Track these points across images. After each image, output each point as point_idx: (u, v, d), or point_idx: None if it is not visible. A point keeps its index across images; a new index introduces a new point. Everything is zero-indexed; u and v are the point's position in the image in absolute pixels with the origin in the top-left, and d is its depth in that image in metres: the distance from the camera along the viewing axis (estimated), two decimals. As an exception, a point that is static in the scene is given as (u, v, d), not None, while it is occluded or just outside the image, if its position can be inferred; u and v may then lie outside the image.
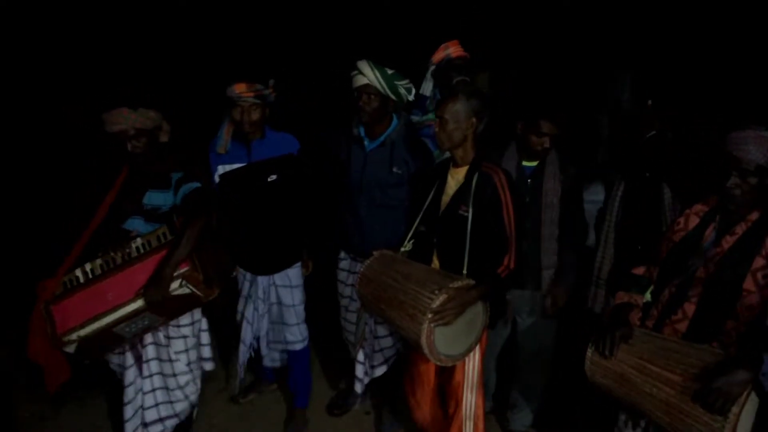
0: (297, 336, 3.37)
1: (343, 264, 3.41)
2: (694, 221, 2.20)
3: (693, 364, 1.89)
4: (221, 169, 3.13)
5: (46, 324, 2.53)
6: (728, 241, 2.05)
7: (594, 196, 4.22)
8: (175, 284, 2.57)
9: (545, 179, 3.00)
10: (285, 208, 3.14)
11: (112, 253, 2.64)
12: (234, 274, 3.32)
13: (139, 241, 2.69)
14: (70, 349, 2.51)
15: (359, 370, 3.16)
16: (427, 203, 2.68)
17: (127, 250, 2.66)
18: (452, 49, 3.55)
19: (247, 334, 3.37)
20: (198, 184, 2.80)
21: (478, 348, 2.59)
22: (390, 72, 2.95)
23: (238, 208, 3.12)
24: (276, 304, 3.34)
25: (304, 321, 3.41)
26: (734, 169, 1.99)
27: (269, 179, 3.05)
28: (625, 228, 3.03)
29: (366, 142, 3.12)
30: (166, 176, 2.79)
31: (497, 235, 2.51)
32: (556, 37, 4.85)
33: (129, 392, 2.86)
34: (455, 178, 2.62)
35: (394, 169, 3.04)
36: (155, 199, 2.78)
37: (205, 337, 3.08)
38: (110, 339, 2.61)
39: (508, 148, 3.11)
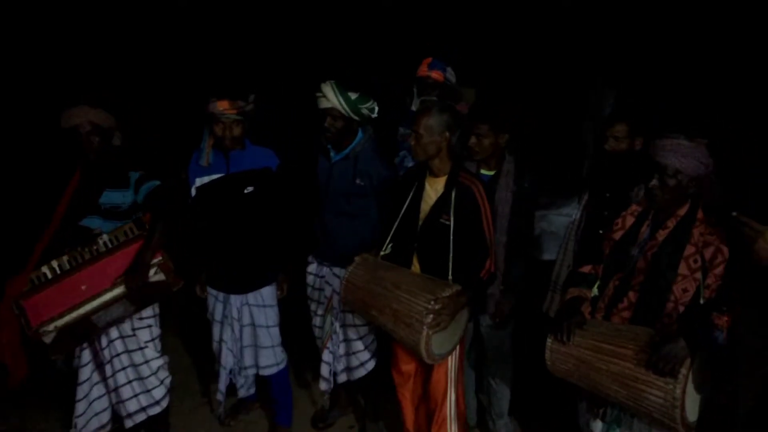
0: (271, 359, 3.27)
1: (311, 268, 3.42)
2: (630, 220, 2.41)
3: (642, 339, 2.10)
4: (199, 181, 3.13)
5: (17, 320, 2.57)
6: (662, 234, 2.28)
7: (570, 210, 4.15)
8: (151, 272, 2.70)
9: (498, 189, 3.02)
10: (261, 221, 3.13)
11: (79, 249, 2.69)
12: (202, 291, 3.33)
13: (105, 237, 2.75)
14: (48, 338, 2.55)
15: (324, 370, 3.27)
16: (404, 208, 2.74)
17: (95, 247, 2.71)
18: (420, 69, 3.67)
19: (227, 359, 3.30)
20: (158, 182, 2.89)
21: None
22: (354, 96, 3.00)
23: (214, 220, 3.13)
24: (249, 326, 3.25)
25: (280, 344, 3.32)
26: (656, 172, 2.22)
27: (246, 191, 3.07)
28: (585, 238, 3.07)
29: (332, 154, 3.18)
30: (124, 175, 2.86)
31: (478, 242, 2.63)
32: (545, 50, 4.84)
33: (83, 388, 2.94)
34: (434, 188, 2.70)
35: (357, 181, 3.09)
36: (113, 198, 2.84)
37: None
38: (86, 328, 2.68)
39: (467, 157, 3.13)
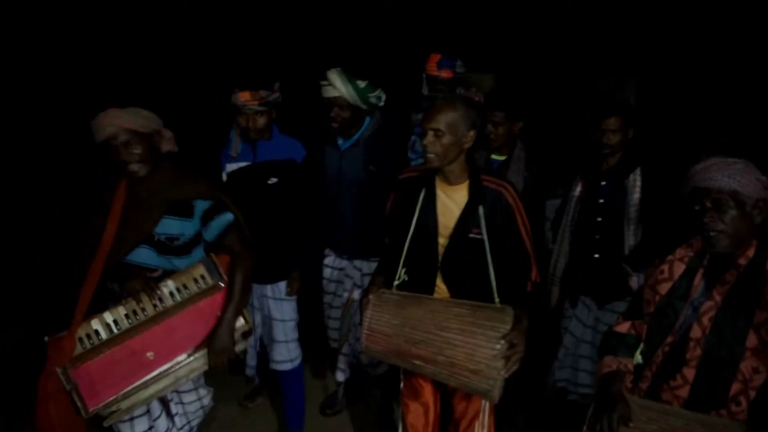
0: (285, 355, 3.06)
1: (328, 260, 3.26)
2: (679, 269, 1.87)
3: None
4: (229, 167, 2.99)
5: (66, 395, 1.98)
6: (720, 291, 1.75)
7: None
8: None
9: (509, 174, 2.95)
10: (282, 213, 2.98)
11: (141, 301, 2.11)
12: None
13: (171, 285, 2.16)
14: (112, 420, 2.05)
15: (341, 362, 3.21)
16: (413, 226, 2.28)
17: (158, 296, 2.13)
18: (429, 66, 3.52)
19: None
20: (232, 217, 2.32)
21: None
22: (362, 85, 2.88)
23: (238, 208, 2.79)
24: (267, 317, 3.09)
25: (296, 340, 3.11)
26: (707, 203, 1.72)
27: (269, 182, 2.92)
28: (581, 228, 3.00)
29: (340, 142, 3.03)
30: (187, 203, 2.24)
31: (518, 252, 2.27)
32: (562, 41, 4.63)
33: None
34: (452, 198, 2.25)
35: (370, 168, 2.94)
36: (171, 227, 2.22)
37: None
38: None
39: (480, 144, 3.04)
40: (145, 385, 2.03)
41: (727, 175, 1.68)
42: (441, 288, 2.32)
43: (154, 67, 4.71)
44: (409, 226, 2.28)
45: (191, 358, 2.12)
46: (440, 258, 2.28)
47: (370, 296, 2.26)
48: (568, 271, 3.05)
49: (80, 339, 2.02)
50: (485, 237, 2.18)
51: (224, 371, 2.23)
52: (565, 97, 4.54)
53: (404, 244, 2.30)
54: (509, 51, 4.79)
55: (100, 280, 2.11)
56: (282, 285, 3.02)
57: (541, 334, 3.09)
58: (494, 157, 3.03)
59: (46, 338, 2.00)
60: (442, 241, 2.26)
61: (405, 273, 2.35)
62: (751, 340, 1.67)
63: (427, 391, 2.45)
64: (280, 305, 3.03)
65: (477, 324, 2.06)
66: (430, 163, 2.15)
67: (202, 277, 2.20)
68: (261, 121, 2.86)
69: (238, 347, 2.26)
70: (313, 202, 3.04)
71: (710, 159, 1.74)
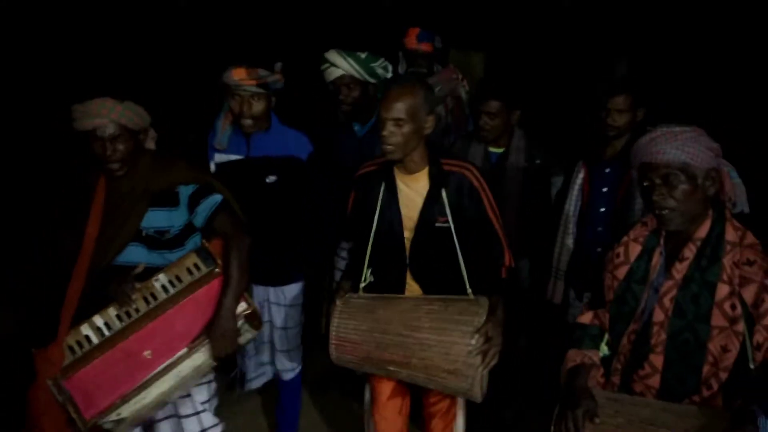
0: (285, 364, 2.84)
1: (345, 254, 3.05)
2: (635, 250, 1.76)
3: None
4: (218, 157, 2.64)
5: (61, 408, 1.86)
6: (679, 270, 1.64)
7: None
8: (237, 324, 2.08)
9: (508, 167, 2.84)
10: (284, 213, 2.66)
11: (134, 298, 1.98)
12: None
13: (163, 278, 2.02)
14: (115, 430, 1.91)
15: None
16: (375, 222, 2.16)
17: (151, 292, 2.00)
18: (408, 41, 3.56)
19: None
20: (220, 198, 2.18)
21: None
22: (363, 56, 2.75)
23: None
24: (268, 323, 2.83)
25: (298, 347, 2.89)
26: (656, 179, 1.60)
27: (267, 180, 2.57)
28: (583, 220, 2.82)
29: (357, 128, 2.87)
30: (171, 191, 2.12)
31: (489, 236, 2.15)
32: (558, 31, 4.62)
33: None
34: (413, 188, 2.12)
35: None
36: (158, 220, 2.09)
37: None
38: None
39: (475, 137, 2.94)
40: (146, 386, 1.91)
41: (675, 146, 1.56)
42: (413, 286, 2.21)
43: (154, 67, 4.67)
44: (372, 224, 2.16)
45: (193, 352, 1.99)
46: (408, 253, 2.17)
47: (337, 302, 2.13)
48: (572, 265, 2.90)
49: (70, 347, 1.91)
50: (451, 225, 2.07)
51: (227, 356, 2.08)
52: (564, 79, 4.48)
53: (368, 244, 2.18)
54: (500, 30, 4.76)
55: (88, 286, 2.01)
56: (287, 290, 2.75)
57: (542, 330, 3.14)
58: (492, 149, 2.88)
59: (33, 350, 1.91)
60: (408, 234, 2.15)
61: (371, 274, 2.22)
62: (716, 318, 1.57)
63: (394, 400, 2.31)
64: (283, 311, 2.77)
65: (449, 320, 1.96)
66: (390, 155, 2.01)
67: (196, 266, 2.06)
68: (258, 106, 2.44)
69: (243, 338, 2.12)
70: (320, 204, 2.72)
71: (657, 130, 1.63)
